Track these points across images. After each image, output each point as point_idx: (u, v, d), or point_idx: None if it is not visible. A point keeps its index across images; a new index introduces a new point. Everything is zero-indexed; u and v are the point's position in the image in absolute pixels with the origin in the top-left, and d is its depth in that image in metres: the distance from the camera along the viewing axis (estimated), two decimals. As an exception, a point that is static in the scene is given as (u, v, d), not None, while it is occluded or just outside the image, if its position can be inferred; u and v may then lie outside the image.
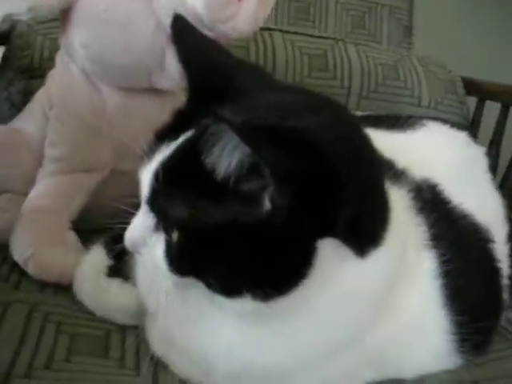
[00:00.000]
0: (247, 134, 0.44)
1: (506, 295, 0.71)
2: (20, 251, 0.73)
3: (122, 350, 0.61)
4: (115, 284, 0.66)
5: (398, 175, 0.68)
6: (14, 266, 0.73)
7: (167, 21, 0.74)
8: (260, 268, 0.48)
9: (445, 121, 0.96)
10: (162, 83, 0.81)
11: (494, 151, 1.23)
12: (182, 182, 0.48)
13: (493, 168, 1.18)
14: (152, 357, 0.58)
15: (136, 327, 0.63)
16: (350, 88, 1.12)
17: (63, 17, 0.82)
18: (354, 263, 0.52)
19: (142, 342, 0.61)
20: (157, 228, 0.51)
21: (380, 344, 0.57)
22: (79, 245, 0.75)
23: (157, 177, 0.49)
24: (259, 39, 1.10)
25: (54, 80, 0.86)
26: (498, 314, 0.71)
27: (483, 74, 1.33)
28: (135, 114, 0.81)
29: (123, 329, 0.64)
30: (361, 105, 1.12)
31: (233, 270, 0.48)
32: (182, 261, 0.50)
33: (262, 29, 1.09)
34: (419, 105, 1.17)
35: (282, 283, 0.49)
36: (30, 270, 0.72)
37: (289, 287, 0.48)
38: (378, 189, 0.56)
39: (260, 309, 0.50)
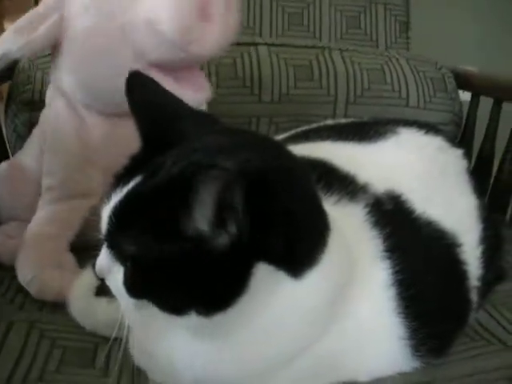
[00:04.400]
0: (188, 176, 0.51)
1: (474, 297, 0.75)
2: (23, 274, 0.82)
3: (107, 360, 0.70)
4: (102, 302, 0.74)
5: (357, 191, 0.72)
6: (20, 288, 0.82)
7: (144, 48, 0.82)
8: (200, 288, 0.55)
9: (426, 123, 0.99)
10: None
11: (488, 146, 1.25)
12: (131, 222, 0.56)
13: (487, 164, 1.22)
14: (133, 365, 0.66)
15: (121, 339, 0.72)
16: (336, 96, 1.16)
17: (53, 50, 0.90)
18: (289, 284, 0.57)
19: (124, 353, 0.69)
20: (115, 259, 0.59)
21: (331, 352, 0.63)
22: (76, 266, 0.84)
23: (110, 218, 0.57)
24: (245, 54, 1.15)
25: (45, 115, 0.94)
26: (462, 316, 0.74)
27: (481, 64, 1.35)
28: (121, 142, 0.86)
29: (109, 341, 0.72)
30: (348, 111, 1.16)
31: (176, 291, 0.55)
32: (135, 287, 0.57)
33: (247, 44, 1.16)
34: (407, 105, 1.20)
35: (220, 301, 0.55)
36: (32, 290, 0.81)
37: (226, 305, 0.55)
38: (312, 214, 0.61)
39: (206, 324, 0.56)
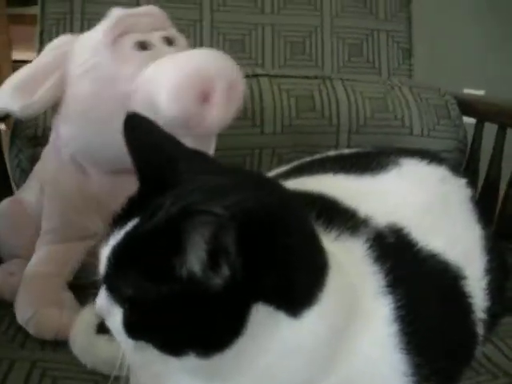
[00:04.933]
0: (186, 219, 0.51)
1: (480, 330, 0.73)
2: (21, 313, 0.82)
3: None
4: (103, 340, 0.74)
5: (358, 225, 0.71)
6: (21, 326, 0.82)
7: None
8: (197, 329, 0.54)
9: (429, 152, 0.99)
10: None
11: (494, 172, 1.24)
12: (128, 265, 0.56)
13: (494, 189, 1.21)
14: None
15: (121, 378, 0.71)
16: (338, 125, 1.16)
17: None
18: (287, 323, 0.57)
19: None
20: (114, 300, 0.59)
21: None
22: (75, 303, 0.84)
23: (109, 260, 0.57)
24: (246, 86, 1.14)
25: (47, 159, 0.94)
26: (468, 350, 0.73)
27: (486, 86, 1.35)
28: (122, 193, 0.86)
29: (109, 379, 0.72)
30: (351, 140, 1.16)
31: (174, 332, 0.55)
32: (134, 328, 0.57)
33: (248, 76, 1.16)
34: (411, 134, 1.20)
35: (217, 342, 0.55)
36: (30, 329, 0.81)
37: (224, 346, 0.54)
38: (309, 251, 0.60)
39: (204, 366, 0.56)
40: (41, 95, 0.83)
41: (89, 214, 0.87)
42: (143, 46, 0.83)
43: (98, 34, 0.84)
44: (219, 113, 0.78)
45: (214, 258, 0.53)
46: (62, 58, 0.86)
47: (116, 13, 0.84)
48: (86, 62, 0.83)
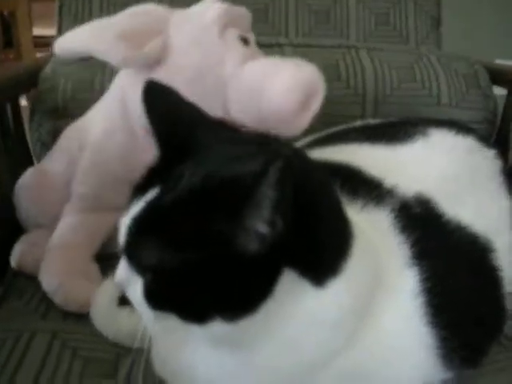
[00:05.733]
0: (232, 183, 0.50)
1: (509, 304, 0.72)
2: (48, 282, 0.82)
3: (129, 371, 0.69)
4: (125, 312, 0.73)
5: (384, 195, 0.70)
6: (43, 297, 0.82)
7: (235, 107, 0.83)
8: (226, 293, 0.53)
9: (457, 123, 0.97)
10: None
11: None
12: (151, 234, 0.55)
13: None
14: (155, 376, 0.65)
15: (143, 349, 0.71)
16: (364, 95, 1.12)
17: None
18: (312, 292, 0.56)
19: (146, 363, 0.68)
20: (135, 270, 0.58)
21: (358, 363, 0.61)
22: (100, 276, 0.83)
23: (129, 229, 0.56)
24: (270, 56, 1.12)
25: (95, 123, 0.92)
26: (496, 325, 0.72)
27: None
28: None
29: (131, 351, 0.71)
30: (378, 111, 1.12)
31: (200, 299, 0.54)
32: (156, 298, 0.56)
33: (272, 45, 1.14)
34: (439, 104, 1.15)
35: (246, 305, 0.54)
36: (57, 300, 0.81)
37: (253, 308, 0.54)
38: (334, 220, 0.59)
39: (228, 333, 0.55)
40: (149, 50, 0.83)
41: (126, 184, 0.87)
42: (244, 41, 0.88)
43: (205, 15, 0.87)
44: (307, 122, 0.84)
45: (273, 215, 0.51)
46: (164, 23, 0.86)
47: (222, 5, 0.88)
48: (195, 38, 0.86)
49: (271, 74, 0.83)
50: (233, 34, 0.87)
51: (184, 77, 0.83)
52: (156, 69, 0.85)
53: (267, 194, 0.50)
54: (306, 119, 0.83)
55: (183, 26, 0.87)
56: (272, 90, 0.81)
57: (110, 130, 0.90)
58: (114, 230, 0.86)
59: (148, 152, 0.84)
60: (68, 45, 0.87)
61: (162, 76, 0.82)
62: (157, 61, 0.85)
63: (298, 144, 0.93)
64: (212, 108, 0.79)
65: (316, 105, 0.84)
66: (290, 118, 0.81)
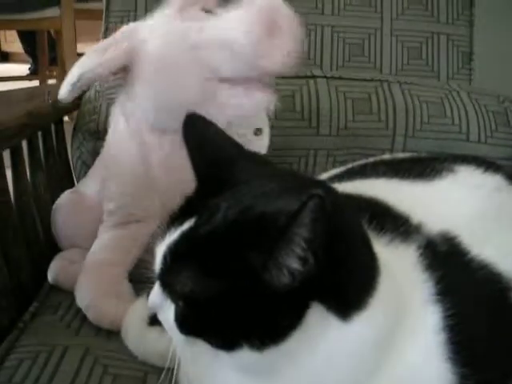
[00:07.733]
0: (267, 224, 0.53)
1: None
2: (81, 298, 0.86)
3: (157, 390, 0.71)
4: (155, 332, 0.76)
5: (410, 231, 0.71)
6: (77, 313, 0.85)
7: (217, 66, 0.87)
8: (255, 323, 0.56)
9: (485, 160, 0.97)
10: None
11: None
12: (186, 264, 0.57)
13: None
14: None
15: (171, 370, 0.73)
16: (394, 129, 1.15)
17: (123, 77, 0.95)
18: (337, 325, 0.58)
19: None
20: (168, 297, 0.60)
21: None
22: (133, 296, 0.86)
23: (165, 258, 0.59)
24: (304, 88, 1.15)
25: (107, 142, 0.98)
26: None
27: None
28: (178, 169, 0.86)
29: (160, 371, 0.73)
30: (407, 145, 1.15)
31: (230, 327, 0.56)
32: (187, 324, 0.59)
33: (307, 77, 1.17)
34: (468, 140, 1.17)
35: (274, 334, 0.56)
36: (89, 316, 0.84)
37: (280, 338, 0.56)
38: (361, 256, 0.61)
39: (256, 361, 0.57)
40: (110, 55, 0.89)
41: (147, 192, 0.91)
42: (208, 11, 0.91)
43: (163, 12, 0.92)
44: (284, 48, 0.85)
45: (305, 252, 0.53)
46: (129, 33, 0.93)
47: None
48: (156, 29, 0.91)
49: (230, 19, 0.86)
50: (195, 9, 0.91)
51: (154, 65, 0.89)
52: (131, 71, 0.91)
53: (300, 233, 0.52)
54: (284, 42, 0.85)
55: (143, 27, 0.93)
56: (233, 34, 0.84)
57: (119, 137, 0.95)
58: (148, 247, 0.92)
59: (160, 149, 0.90)
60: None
61: (136, 73, 0.91)
62: (127, 66, 0.91)
63: (330, 173, 0.95)
64: (197, 76, 0.88)
65: (286, 24, 0.85)
66: (264, 46, 0.84)
